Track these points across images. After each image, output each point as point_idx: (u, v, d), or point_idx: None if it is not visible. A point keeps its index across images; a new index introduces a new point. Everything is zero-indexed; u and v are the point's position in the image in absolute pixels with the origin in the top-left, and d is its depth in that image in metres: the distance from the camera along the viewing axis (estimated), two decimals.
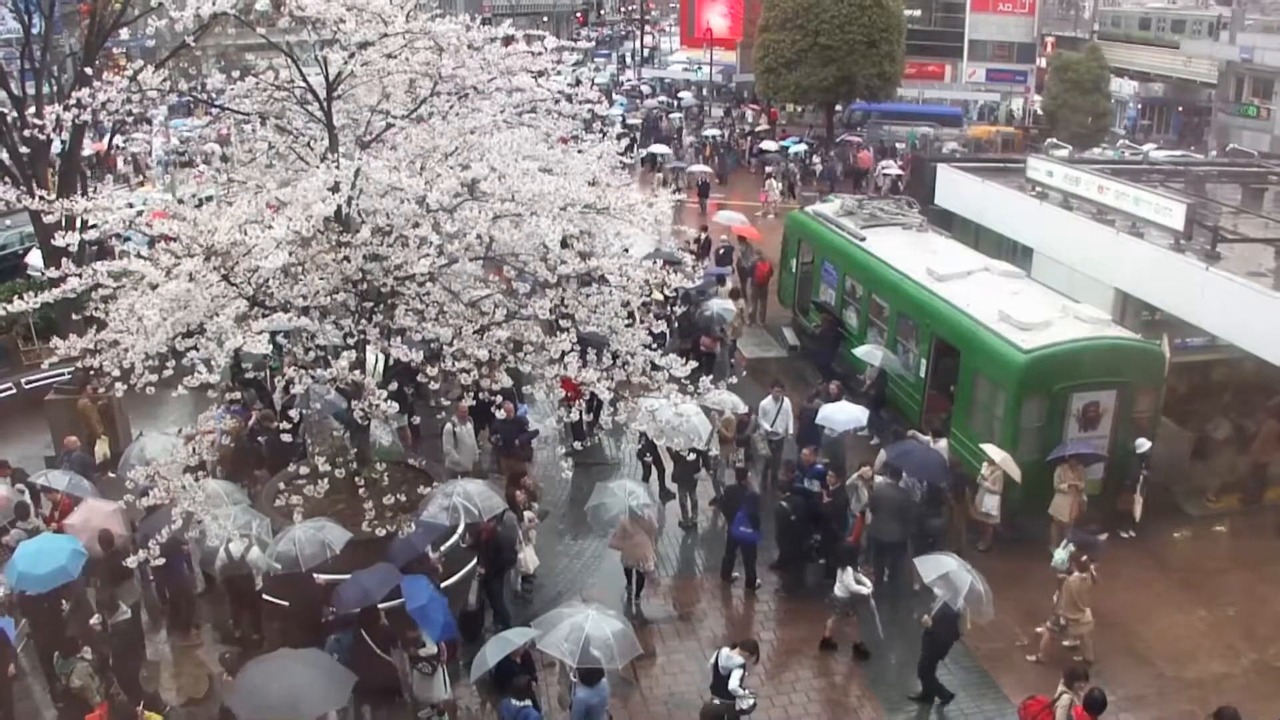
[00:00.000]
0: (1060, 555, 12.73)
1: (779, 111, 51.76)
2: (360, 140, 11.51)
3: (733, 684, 10.18)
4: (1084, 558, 12.06)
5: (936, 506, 14.00)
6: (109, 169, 30.00)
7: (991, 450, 14.01)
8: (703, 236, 26.13)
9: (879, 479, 13.69)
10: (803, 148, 40.20)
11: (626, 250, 12.26)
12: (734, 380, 13.50)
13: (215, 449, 11.43)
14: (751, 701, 10.37)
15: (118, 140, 25.96)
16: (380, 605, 10.69)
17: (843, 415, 15.19)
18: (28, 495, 12.97)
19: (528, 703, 9.85)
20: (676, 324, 19.64)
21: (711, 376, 11.98)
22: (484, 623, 12.42)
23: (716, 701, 10.35)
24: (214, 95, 11.46)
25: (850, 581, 12.03)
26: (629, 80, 64.92)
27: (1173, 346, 16.05)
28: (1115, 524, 14.30)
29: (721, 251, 25.56)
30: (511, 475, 14.41)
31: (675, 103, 55.70)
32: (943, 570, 11.24)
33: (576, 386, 11.61)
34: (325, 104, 11.17)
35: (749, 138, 45.54)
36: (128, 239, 15.16)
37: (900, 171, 36.61)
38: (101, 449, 15.00)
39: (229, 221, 9.72)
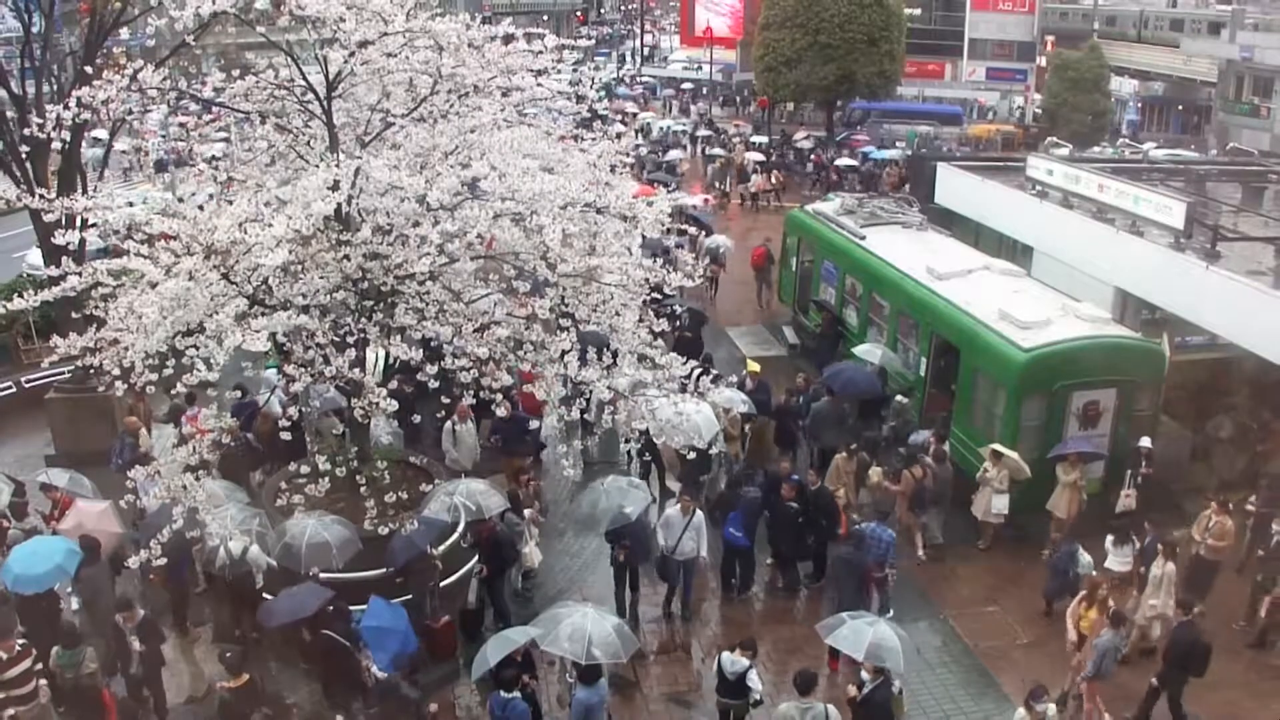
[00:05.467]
0: (1114, 557, 12.85)
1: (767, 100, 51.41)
2: (360, 139, 11.50)
3: (753, 682, 10.26)
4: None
5: (870, 419, 16.34)
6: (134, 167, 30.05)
7: (1001, 449, 14.01)
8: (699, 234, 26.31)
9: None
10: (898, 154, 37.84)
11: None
12: (734, 379, 13.50)
13: (215, 449, 11.41)
14: (757, 697, 10.43)
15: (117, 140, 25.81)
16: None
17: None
18: (8, 493, 12.93)
19: (516, 694, 9.87)
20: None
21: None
22: (484, 621, 12.43)
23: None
24: (214, 93, 11.44)
25: (1126, 553, 12.50)
26: (628, 77, 65.06)
27: (1173, 345, 16.05)
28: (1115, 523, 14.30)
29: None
30: (513, 473, 14.44)
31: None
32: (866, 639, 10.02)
33: (539, 403, 12.00)
34: (325, 103, 11.15)
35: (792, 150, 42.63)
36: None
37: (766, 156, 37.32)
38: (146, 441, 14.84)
39: (229, 220, 9.72)
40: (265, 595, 11.53)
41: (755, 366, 16.99)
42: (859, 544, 12.55)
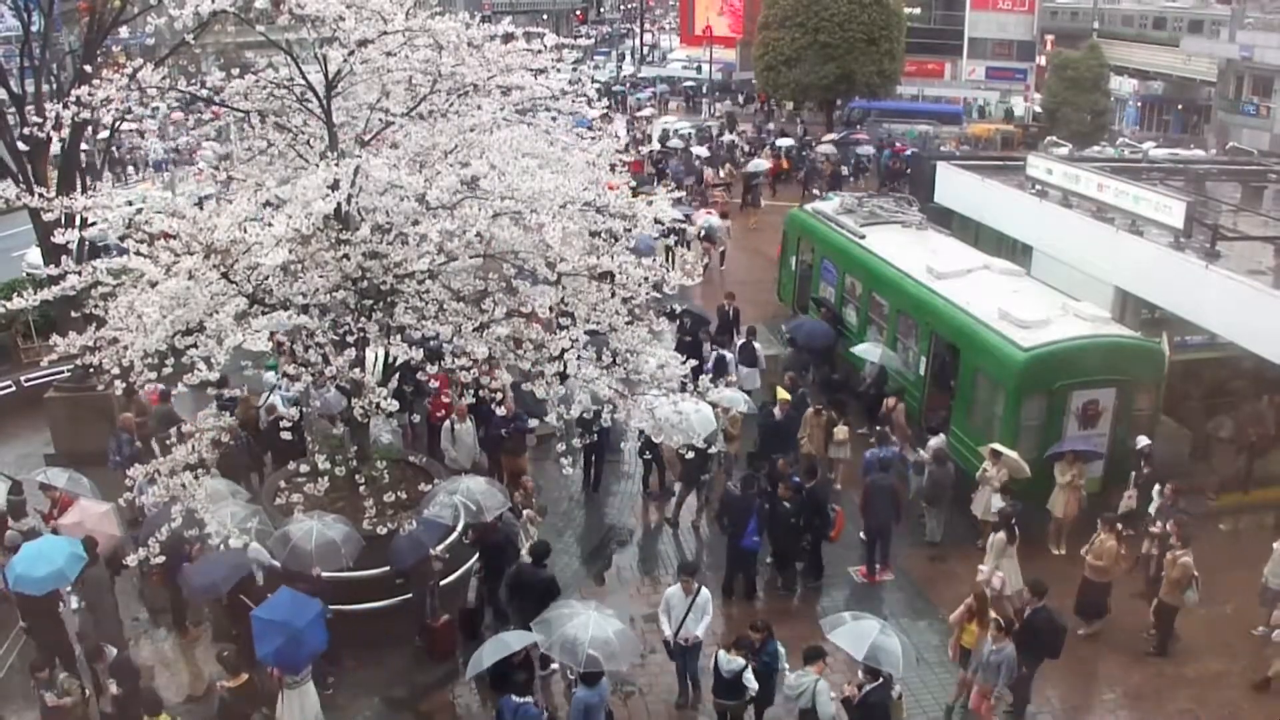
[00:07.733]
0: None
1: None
2: (360, 138, 11.50)
3: (749, 680, 10.28)
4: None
5: (833, 366, 18.74)
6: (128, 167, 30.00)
7: (1000, 448, 14.01)
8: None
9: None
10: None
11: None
12: (733, 379, 13.47)
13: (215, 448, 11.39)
14: (751, 695, 10.45)
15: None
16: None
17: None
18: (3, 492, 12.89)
19: (528, 699, 9.84)
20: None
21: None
22: (484, 620, 12.42)
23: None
24: (213, 92, 11.44)
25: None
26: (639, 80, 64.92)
27: (1172, 345, 16.05)
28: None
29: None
30: (511, 474, 14.43)
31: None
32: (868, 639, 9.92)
33: (446, 406, 12.12)
34: (325, 102, 11.15)
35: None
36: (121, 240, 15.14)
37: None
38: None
39: (228, 219, 9.72)
40: (267, 594, 11.52)
41: (786, 395, 16.06)
42: (885, 467, 13.98)
